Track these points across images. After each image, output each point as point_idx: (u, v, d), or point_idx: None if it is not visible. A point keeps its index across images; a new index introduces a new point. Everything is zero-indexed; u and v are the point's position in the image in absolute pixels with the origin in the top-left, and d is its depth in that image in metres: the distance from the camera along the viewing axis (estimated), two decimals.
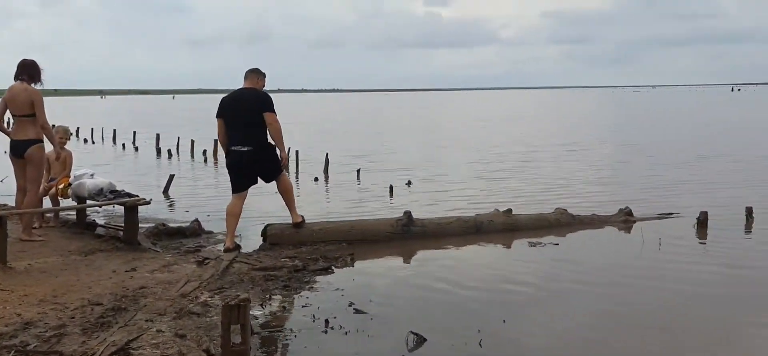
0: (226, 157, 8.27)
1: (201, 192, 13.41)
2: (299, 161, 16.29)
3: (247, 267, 7.16)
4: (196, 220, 9.34)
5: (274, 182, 8.36)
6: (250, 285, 6.61)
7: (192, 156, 20.25)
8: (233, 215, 8.11)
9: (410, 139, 27.88)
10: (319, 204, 11.63)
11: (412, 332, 5.29)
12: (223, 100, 8.24)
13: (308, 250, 7.97)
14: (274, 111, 8.02)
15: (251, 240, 8.59)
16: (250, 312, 5.68)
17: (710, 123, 35.98)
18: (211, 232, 9.14)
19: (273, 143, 8.12)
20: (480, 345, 5.16)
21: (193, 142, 21.30)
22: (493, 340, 5.28)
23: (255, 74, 8.21)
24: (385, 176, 14.57)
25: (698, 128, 31.60)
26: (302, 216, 8.50)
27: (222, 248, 8.05)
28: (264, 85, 8.30)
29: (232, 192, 8.23)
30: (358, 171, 15.09)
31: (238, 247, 8.04)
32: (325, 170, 15.52)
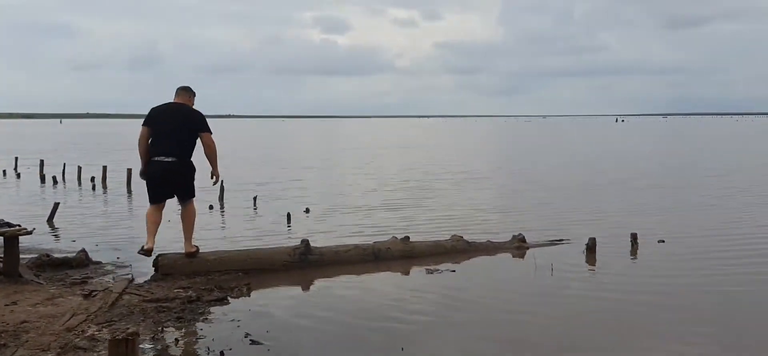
0: (144, 167, 8.15)
1: (89, 221, 12.84)
2: None
3: (137, 299, 6.89)
4: (83, 250, 8.92)
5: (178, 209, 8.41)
6: (140, 317, 6.36)
7: (79, 183, 19.42)
8: (154, 222, 8.08)
9: (308, 166, 27.75)
10: (214, 233, 11.36)
11: None
12: (154, 109, 8.21)
13: (202, 280, 7.76)
14: (211, 131, 8.17)
15: (142, 271, 8.27)
16: (140, 346, 5.47)
17: (598, 152, 37.59)
18: (99, 262, 8.75)
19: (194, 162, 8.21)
20: None
21: (80, 168, 20.47)
22: None
23: (186, 92, 8.32)
24: (283, 204, 14.42)
25: (587, 157, 32.91)
26: (197, 247, 8.29)
27: (111, 279, 7.75)
28: (194, 104, 8.38)
29: (151, 203, 8.18)
30: (255, 198, 14.86)
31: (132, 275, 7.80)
32: (221, 198, 15.18)
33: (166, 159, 7.92)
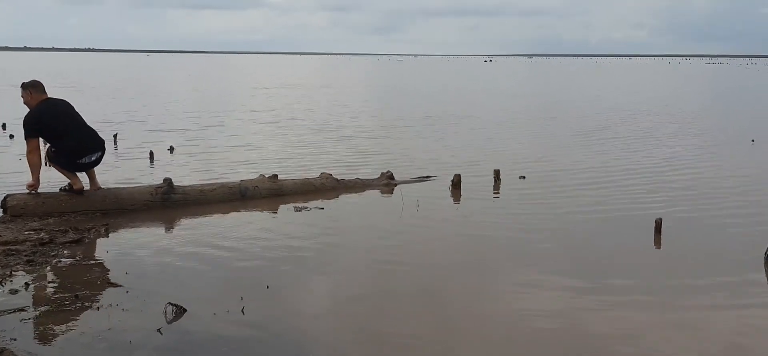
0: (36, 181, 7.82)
1: None
2: None
3: None
4: None
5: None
6: None
7: None
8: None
9: (173, 103, 26.75)
10: None
11: (170, 303, 5.07)
12: (48, 113, 7.85)
13: (56, 221, 7.38)
14: None
15: None
16: None
17: (469, 90, 38.45)
18: None
19: None
20: (243, 312, 5.07)
21: None
22: (256, 306, 5.22)
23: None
24: (146, 142, 13.88)
25: (457, 95, 33.59)
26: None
27: None
28: None
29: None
30: (115, 136, 14.20)
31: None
32: None
33: (94, 156, 8.07)
